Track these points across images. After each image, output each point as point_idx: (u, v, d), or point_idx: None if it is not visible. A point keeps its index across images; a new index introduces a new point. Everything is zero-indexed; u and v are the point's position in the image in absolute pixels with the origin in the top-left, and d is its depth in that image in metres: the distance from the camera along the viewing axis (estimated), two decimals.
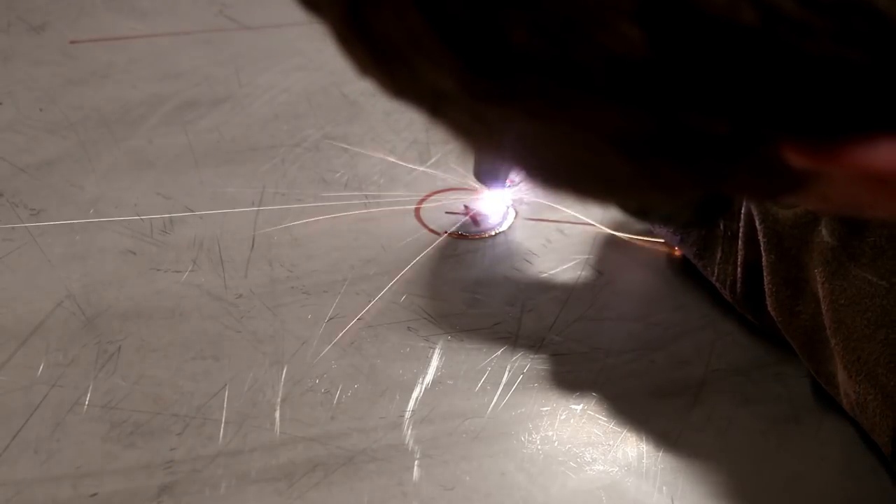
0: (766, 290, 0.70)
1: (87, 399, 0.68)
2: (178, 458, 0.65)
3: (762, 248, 0.70)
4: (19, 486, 0.63)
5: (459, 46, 0.31)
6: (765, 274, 0.70)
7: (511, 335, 0.75)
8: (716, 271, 0.75)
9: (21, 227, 0.82)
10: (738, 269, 0.73)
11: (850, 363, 0.63)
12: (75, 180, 0.88)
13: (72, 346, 0.72)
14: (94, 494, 0.63)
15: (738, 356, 0.74)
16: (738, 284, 0.73)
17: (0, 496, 0.62)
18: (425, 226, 0.85)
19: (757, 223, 0.71)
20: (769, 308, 0.70)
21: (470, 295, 0.78)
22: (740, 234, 0.73)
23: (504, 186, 0.85)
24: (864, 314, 0.63)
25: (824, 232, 0.66)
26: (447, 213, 0.86)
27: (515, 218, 0.86)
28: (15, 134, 0.93)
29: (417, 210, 0.86)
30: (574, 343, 0.74)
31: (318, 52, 1.04)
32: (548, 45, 0.30)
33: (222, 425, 0.67)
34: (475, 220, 0.86)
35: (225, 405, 0.69)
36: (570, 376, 0.72)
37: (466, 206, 0.87)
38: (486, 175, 0.83)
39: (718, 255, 0.75)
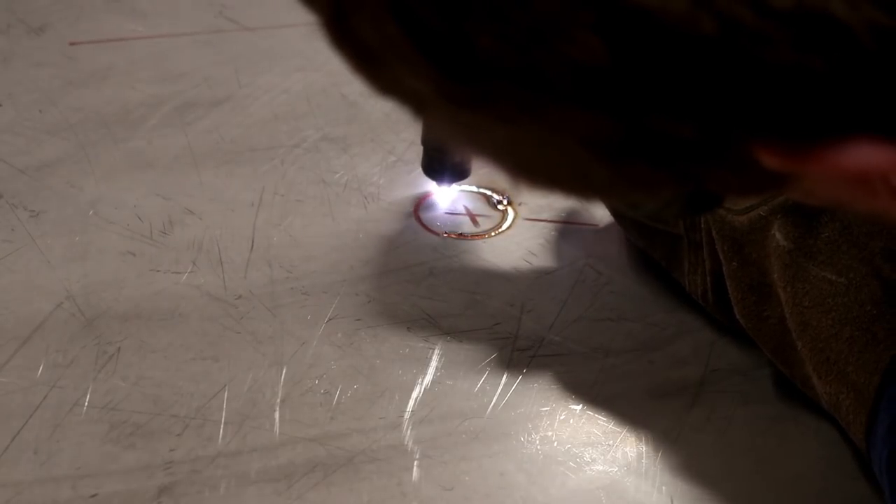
0: (732, 297, 0.70)
1: (87, 400, 0.68)
2: (177, 458, 0.65)
3: (721, 257, 0.70)
4: (19, 487, 0.63)
5: (432, 53, 0.32)
6: (727, 282, 0.70)
7: (510, 335, 0.75)
8: (686, 282, 0.75)
9: (21, 229, 0.82)
10: (708, 278, 0.73)
11: (818, 364, 0.64)
12: (75, 181, 0.88)
13: (71, 347, 0.72)
14: (94, 495, 0.63)
15: (737, 356, 0.74)
16: (709, 293, 0.73)
17: (0, 497, 0.62)
18: (424, 226, 0.85)
19: (713, 233, 0.71)
20: (737, 315, 0.70)
21: (469, 295, 0.78)
22: (704, 244, 0.73)
23: (452, 182, 0.86)
24: (829, 314, 0.63)
25: (778, 236, 0.66)
26: (446, 213, 0.86)
27: (515, 218, 0.86)
28: (15, 136, 0.94)
29: (416, 210, 0.86)
30: (573, 343, 0.74)
31: (318, 53, 1.04)
32: (513, 54, 0.31)
33: (222, 426, 0.67)
34: (474, 221, 0.86)
35: (224, 406, 0.69)
36: (569, 376, 0.72)
37: (466, 207, 0.87)
38: (435, 171, 0.84)
39: (686, 266, 0.75)
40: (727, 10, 0.29)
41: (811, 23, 0.29)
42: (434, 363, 0.72)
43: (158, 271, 0.79)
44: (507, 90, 0.32)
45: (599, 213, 0.86)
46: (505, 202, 0.87)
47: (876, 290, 0.62)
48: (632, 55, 0.30)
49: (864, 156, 0.32)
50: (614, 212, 0.82)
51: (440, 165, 0.83)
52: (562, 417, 0.69)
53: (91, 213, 0.85)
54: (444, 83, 0.33)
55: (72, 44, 1.08)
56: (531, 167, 0.38)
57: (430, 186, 0.87)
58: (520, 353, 0.73)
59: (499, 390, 0.71)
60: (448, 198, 0.87)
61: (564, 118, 0.33)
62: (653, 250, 0.79)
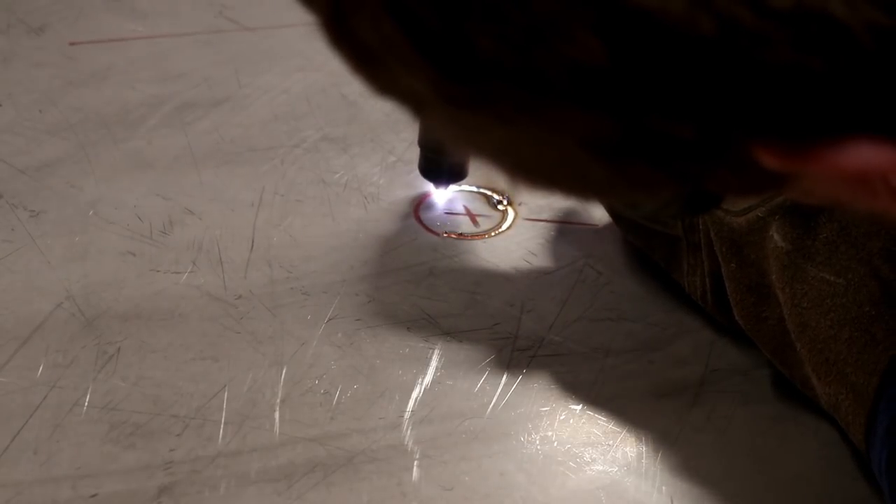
0: (731, 299, 0.70)
1: (87, 400, 0.68)
2: (177, 458, 0.65)
3: (720, 258, 0.70)
4: (19, 487, 0.63)
5: (431, 54, 0.32)
6: (726, 283, 0.70)
7: (510, 335, 0.75)
8: (685, 283, 0.75)
9: (21, 229, 0.82)
10: (706, 280, 0.73)
11: (818, 365, 0.63)
12: (75, 182, 0.88)
13: (71, 347, 0.72)
14: (94, 495, 0.63)
15: (737, 356, 0.74)
16: (708, 294, 0.73)
17: (0, 497, 0.62)
18: (424, 226, 0.85)
19: (712, 234, 0.71)
20: (736, 317, 0.70)
21: (469, 295, 0.78)
22: (702, 245, 0.73)
23: (450, 184, 0.86)
24: (827, 315, 0.63)
25: (776, 237, 0.66)
26: (446, 213, 0.86)
27: (515, 218, 0.86)
28: (14, 136, 0.94)
29: (416, 210, 0.86)
30: (573, 343, 0.74)
31: (318, 54, 1.04)
32: (512, 54, 0.31)
33: (222, 426, 0.67)
34: (474, 221, 0.86)
35: (224, 406, 0.69)
36: (569, 376, 0.72)
37: (466, 207, 0.87)
38: (432, 173, 0.84)
39: (685, 267, 0.75)
40: (726, 11, 0.29)
41: (810, 23, 0.29)
42: (434, 363, 0.72)
43: (158, 271, 0.79)
44: (505, 90, 0.32)
45: (599, 214, 0.86)
46: (505, 202, 0.88)
47: (874, 290, 0.62)
48: (631, 55, 0.30)
49: (864, 156, 0.32)
50: (612, 213, 0.82)
51: (437, 167, 0.84)
52: (562, 417, 0.69)
53: (91, 213, 0.85)
54: (442, 83, 0.33)
55: (72, 44, 1.08)
56: (530, 168, 0.38)
57: (428, 188, 0.87)
58: (520, 353, 0.73)
59: (499, 390, 0.71)
60: (445, 199, 0.87)
61: (563, 118, 0.33)
62: (652, 252, 0.79)
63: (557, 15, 0.30)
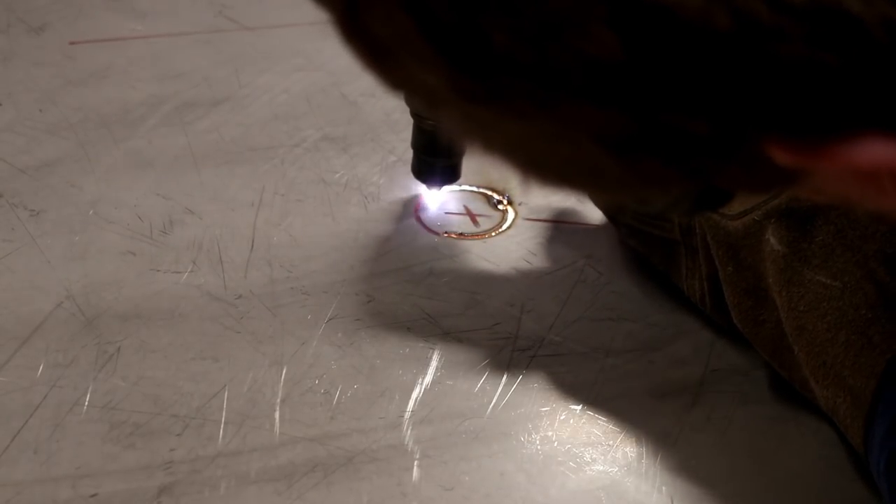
0: (728, 302, 0.70)
1: (87, 400, 0.68)
2: (177, 458, 0.65)
3: (717, 262, 0.70)
4: (19, 487, 0.63)
5: (445, 48, 0.32)
6: (724, 287, 0.70)
7: (510, 335, 0.75)
8: (684, 287, 0.75)
9: (21, 229, 0.82)
10: (704, 283, 0.73)
11: (815, 369, 0.63)
12: (75, 181, 0.88)
13: (71, 346, 0.72)
14: (94, 495, 0.63)
15: (737, 356, 0.74)
16: (707, 297, 0.73)
17: (0, 497, 0.62)
18: (425, 226, 0.85)
19: (708, 238, 0.71)
20: (734, 320, 0.70)
21: (469, 295, 0.78)
22: (699, 249, 0.73)
23: (443, 185, 0.86)
24: (824, 318, 0.63)
25: (772, 240, 0.66)
26: (446, 213, 0.86)
27: (515, 218, 0.86)
28: (15, 135, 0.94)
29: (417, 210, 0.86)
30: (573, 343, 0.74)
31: (318, 53, 1.04)
32: (527, 49, 0.31)
33: (222, 426, 0.67)
34: (474, 221, 0.86)
35: (224, 406, 0.69)
36: (569, 376, 0.72)
37: (466, 207, 0.87)
38: (425, 175, 0.84)
39: (683, 271, 0.75)
40: (742, 6, 0.29)
41: (825, 18, 0.29)
42: (434, 363, 0.72)
43: (158, 271, 0.79)
44: (519, 85, 0.32)
45: (599, 214, 0.86)
46: (505, 202, 0.88)
47: (871, 293, 0.62)
48: (646, 50, 0.30)
49: (876, 152, 0.32)
50: (610, 217, 0.82)
51: (430, 168, 0.84)
52: (562, 417, 0.69)
53: (91, 212, 0.85)
54: (456, 78, 0.33)
55: (72, 43, 1.08)
56: (542, 163, 0.38)
57: (421, 189, 0.87)
58: (520, 353, 0.73)
59: (499, 390, 0.71)
60: (438, 200, 0.87)
61: (577, 114, 0.33)
62: (650, 255, 0.79)
63: (572, 9, 0.30)
